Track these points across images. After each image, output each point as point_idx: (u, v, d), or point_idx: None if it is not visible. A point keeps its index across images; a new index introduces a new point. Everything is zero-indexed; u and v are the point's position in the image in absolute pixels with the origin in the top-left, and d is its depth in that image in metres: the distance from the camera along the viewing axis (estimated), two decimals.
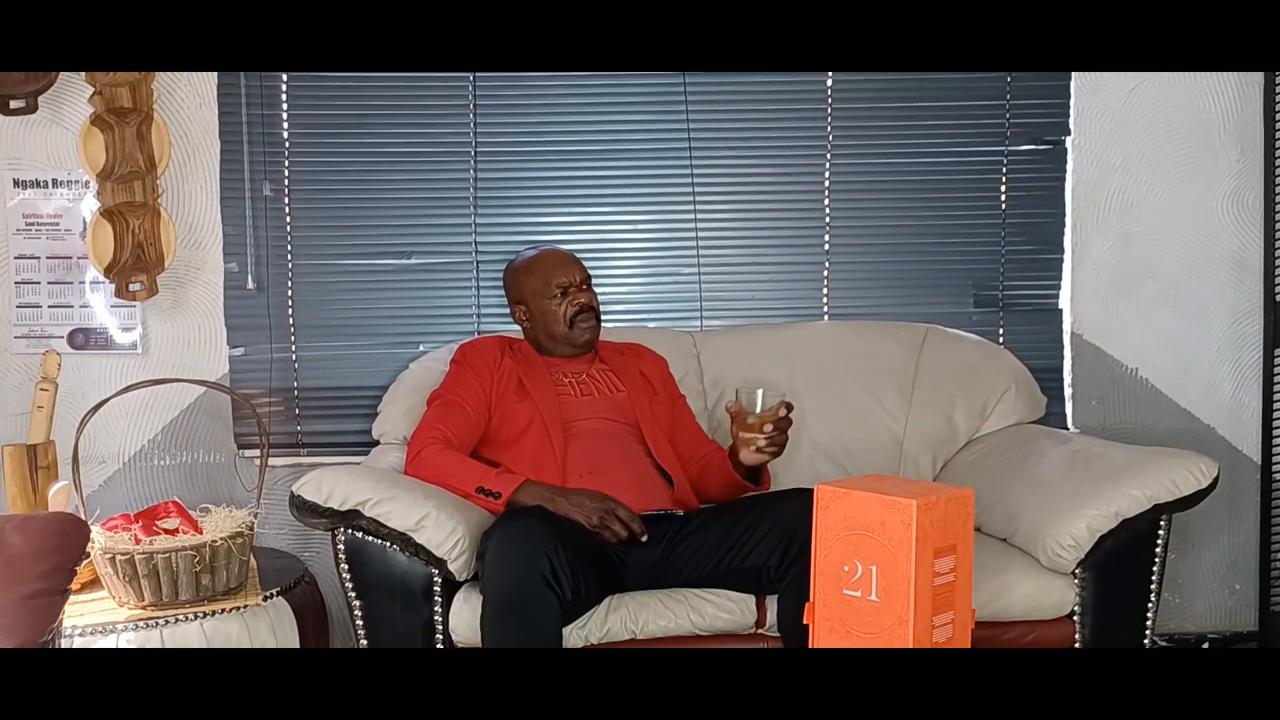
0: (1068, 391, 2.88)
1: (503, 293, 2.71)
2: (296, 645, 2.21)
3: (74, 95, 2.62)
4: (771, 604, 2.09)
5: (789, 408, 2.13)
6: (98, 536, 2.08)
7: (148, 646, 2.04)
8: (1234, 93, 2.81)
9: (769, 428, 2.12)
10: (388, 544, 2.07)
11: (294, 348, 2.78)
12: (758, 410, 2.11)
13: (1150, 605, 2.20)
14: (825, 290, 2.87)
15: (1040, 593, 2.16)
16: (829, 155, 2.83)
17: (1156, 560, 2.20)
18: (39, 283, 2.69)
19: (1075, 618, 2.17)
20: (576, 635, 2.05)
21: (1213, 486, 2.18)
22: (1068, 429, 2.85)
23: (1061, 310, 2.88)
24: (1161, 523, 2.18)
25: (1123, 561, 2.17)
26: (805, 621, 1.75)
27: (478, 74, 2.74)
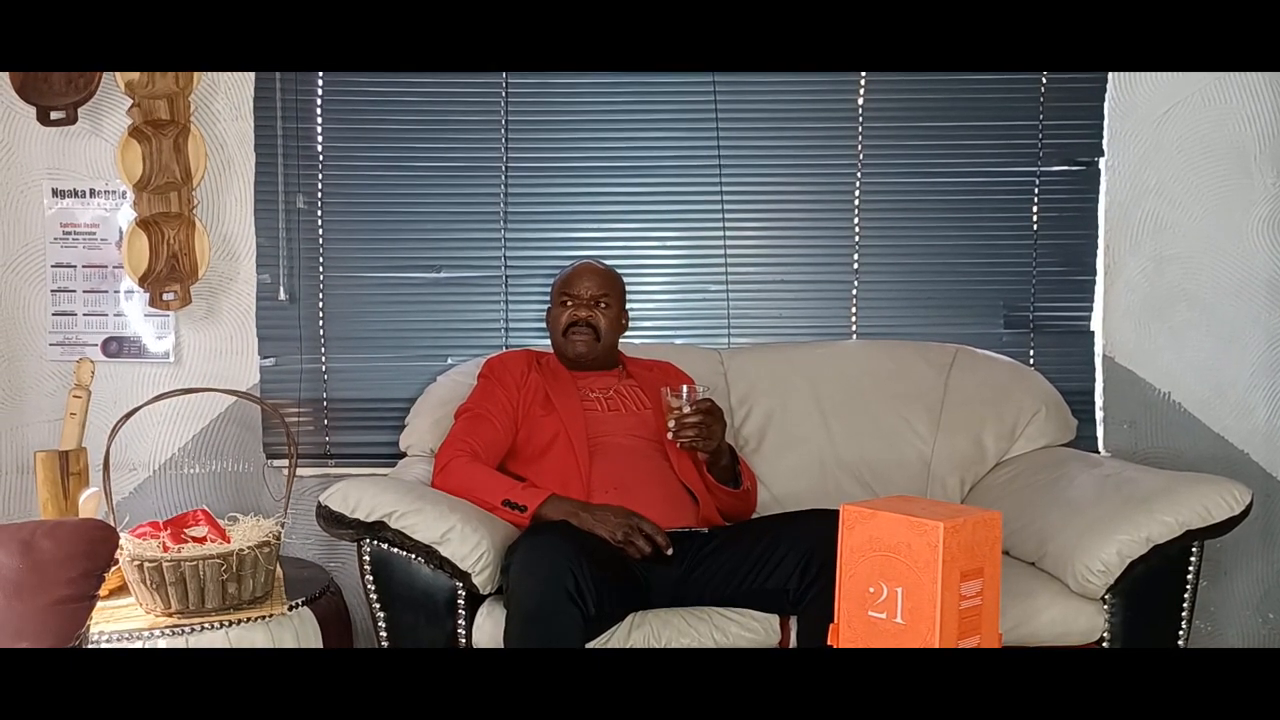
0: (1099, 415, 2.85)
1: (531, 307, 2.75)
2: None
3: (113, 107, 2.66)
4: (795, 624, 2.08)
5: (699, 399, 2.23)
6: (126, 543, 2.10)
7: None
8: (1270, 115, 2.78)
9: (672, 422, 2.21)
10: (413, 556, 2.07)
11: (324, 359, 2.80)
12: (669, 405, 2.24)
13: (1181, 633, 2.17)
14: (854, 309, 2.86)
15: (1069, 618, 2.13)
16: (859, 173, 2.82)
17: (1188, 587, 2.17)
18: (74, 291, 2.72)
19: (1104, 644, 2.14)
20: None
21: (1246, 513, 2.15)
22: (1098, 452, 2.82)
23: (1093, 332, 2.85)
24: (1193, 549, 2.16)
25: (1153, 588, 2.14)
26: (829, 643, 1.74)
27: (509, 89, 2.76)
